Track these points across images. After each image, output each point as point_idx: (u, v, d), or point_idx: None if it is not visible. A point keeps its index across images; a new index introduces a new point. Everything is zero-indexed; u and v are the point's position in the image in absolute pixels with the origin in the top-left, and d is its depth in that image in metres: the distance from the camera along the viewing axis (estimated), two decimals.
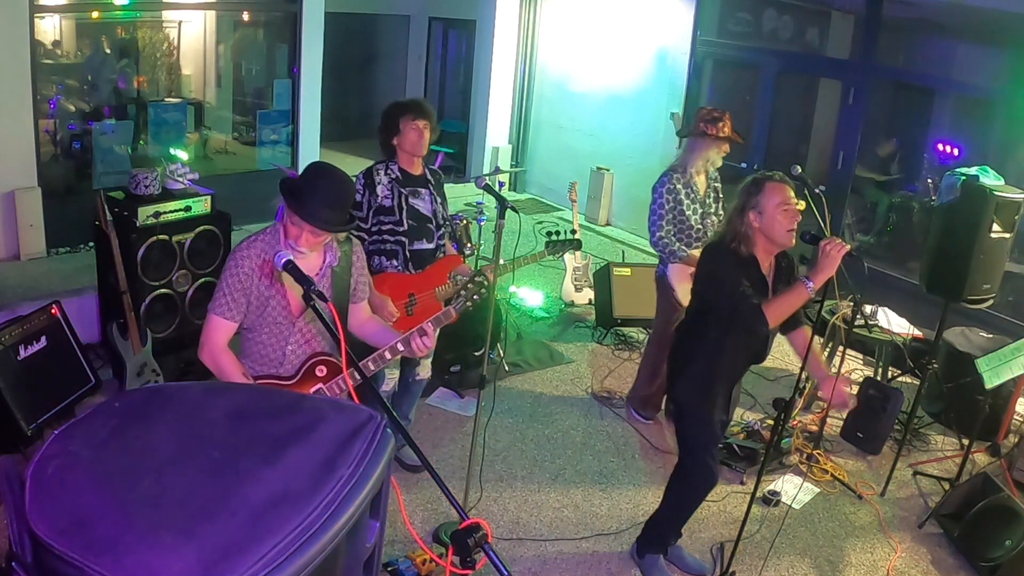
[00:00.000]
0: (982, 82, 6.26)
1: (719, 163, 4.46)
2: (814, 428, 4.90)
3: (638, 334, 6.19)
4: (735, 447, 4.54)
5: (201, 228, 4.82)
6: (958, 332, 5.26)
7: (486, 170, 9.40)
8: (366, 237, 3.78)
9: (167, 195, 4.79)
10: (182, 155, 6.77)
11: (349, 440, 1.61)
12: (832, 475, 4.54)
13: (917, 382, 4.93)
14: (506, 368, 5.45)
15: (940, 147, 6.68)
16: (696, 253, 4.03)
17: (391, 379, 3.97)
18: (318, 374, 2.89)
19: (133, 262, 4.54)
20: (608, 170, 8.76)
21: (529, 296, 6.48)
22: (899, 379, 5.26)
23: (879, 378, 5.16)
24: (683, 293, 4.24)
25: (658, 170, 8.29)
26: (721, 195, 4.59)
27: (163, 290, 4.72)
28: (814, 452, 4.67)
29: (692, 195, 4.41)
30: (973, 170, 4.29)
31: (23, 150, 5.79)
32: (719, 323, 3.18)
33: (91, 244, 5.52)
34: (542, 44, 9.51)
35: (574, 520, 4.03)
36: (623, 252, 7.74)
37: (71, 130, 6.58)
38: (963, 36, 6.43)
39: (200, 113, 8.05)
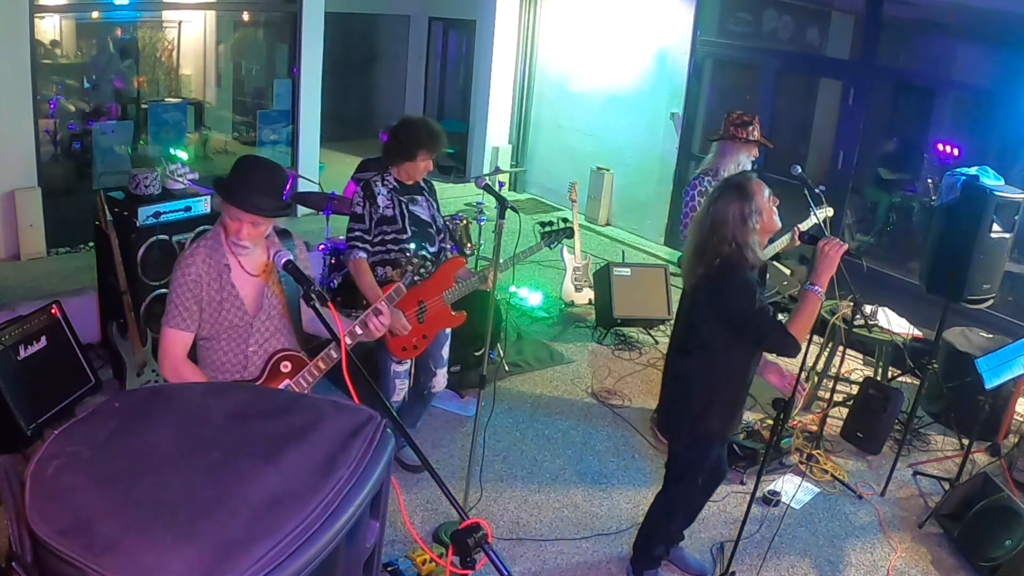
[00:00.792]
0: (982, 82, 6.26)
1: (748, 167, 4.43)
2: (814, 428, 4.90)
3: (638, 334, 6.19)
4: (735, 447, 4.53)
5: (201, 228, 4.82)
6: (958, 332, 5.26)
7: (486, 170, 9.41)
8: (369, 249, 3.79)
9: (167, 195, 4.79)
10: (182, 155, 6.77)
11: (349, 440, 1.61)
12: (832, 475, 4.54)
13: (917, 382, 4.93)
14: (506, 368, 5.45)
15: (940, 147, 6.68)
16: None
17: (401, 389, 3.97)
18: (283, 370, 2.87)
19: (133, 262, 4.54)
20: (608, 170, 8.76)
21: (529, 296, 6.48)
22: (899, 379, 5.26)
23: (879, 378, 5.16)
24: None
25: (658, 170, 8.41)
26: None
27: (163, 290, 4.72)
28: (814, 452, 4.67)
29: None
30: (973, 170, 4.29)
31: (23, 150, 5.79)
32: (744, 349, 3.14)
33: (91, 244, 5.53)
34: (542, 44, 9.51)
35: (574, 520, 4.03)
36: (623, 252, 7.74)
37: (71, 130, 6.59)
38: (963, 36, 6.43)
39: (200, 113, 8.06)
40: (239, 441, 1.58)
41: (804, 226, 4.38)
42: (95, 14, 7.06)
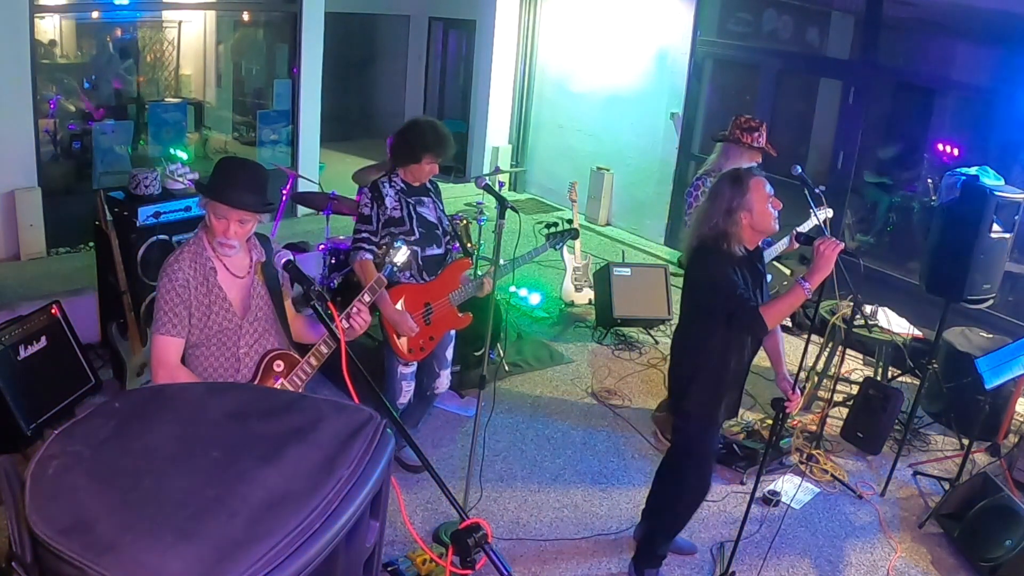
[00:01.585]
0: (982, 82, 6.25)
1: None
2: (814, 428, 4.90)
3: (638, 334, 6.19)
4: (735, 447, 4.54)
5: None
6: (958, 332, 5.26)
7: (486, 170, 9.41)
8: (376, 251, 3.78)
9: (167, 195, 4.78)
10: (182, 155, 6.77)
11: (349, 440, 1.61)
12: (832, 475, 4.54)
13: (917, 382, 4.93)
14: (506, 368, 5.45)
15: (940, 147, 6.68)
16: None
17: (407, 391, 3.97)
18: (276, 369, 2.87)
19: (133, 262, 4.54)
20: (608, 170, 8.76)
21: (529, 296, 6.49)
22: (899, 379, 5.26)
23: (879, 378, 5.16)
24: None
25: (658, 170, 8.41)
26: None
27: None
28: (814, 452, 4.67)
29: None
30: (973, 170, 4.29)
31: (23, 150, 5.79)
32: (719, 326, 3.16)
33: (91, 244, 5.53)
34: (542, 44, 9.51)
35: (574, 520, 4.03)
36: (623, 252, 7.74)
37: (71, 130, 6.59)
38: (963, 36, 6.43)
39: (200, 113, 8.06)
40: (239, 441, 1.59)
41: (803, 228, 4.38)
42: (95, 14, 7.06)
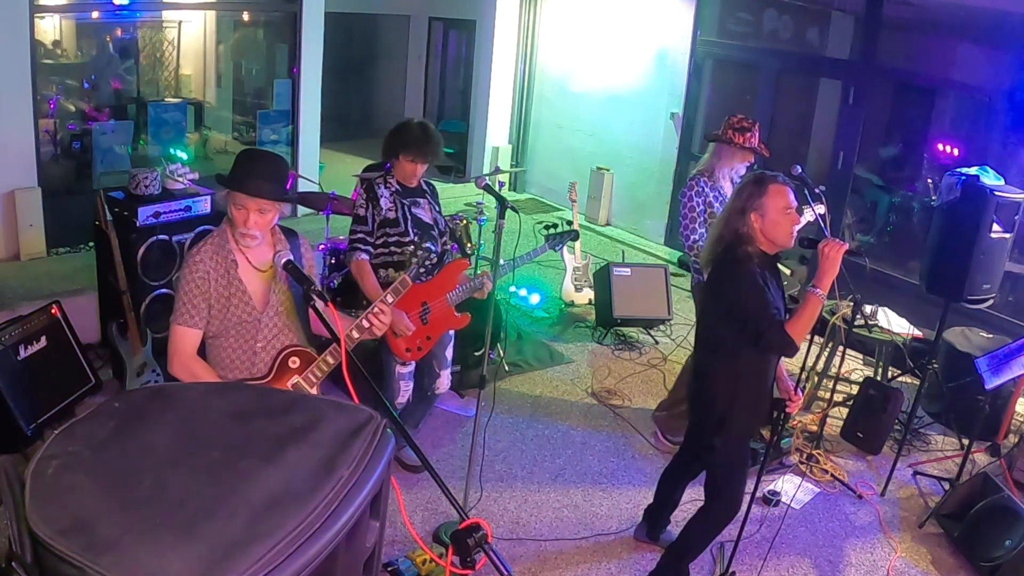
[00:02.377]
0: (982, 82, 6.25)
1: (743, 171, 4.42)
2: (814, 428, 4.90)
3: (638, 334, 6.19)
4: None
5: (201, 228, 4.82)
6: (958, 332, 5.26)
7: (486, 170, 9.40)
8: (372, 251, 3.79)
9: (167, 195, 4.78)
10: (182, 155, 6.77)
11: (349, 440, 1.61)
12: (832, 475, 4.54)
13: (917, 382, 4.93)
14: (506, 368, 5.45)
15: (940, 147, 6.68)
16: None
17: (406, 391, 3.97)
18: (291, 366, 2.88)
19: (133, 262, 4.54)
20: (608, 170, 8.76)
21: (529, 296, 6.48)
22: (899, 379, 5.26)
23: (879, 378, 5.16)
24: None
25: (658, 170, 8.41)
26: None
27: (163, 290, 4.72)
28: (814, 452, 4.67)
29: (720, 198, 4.38)
30: (973, 170, 4.29)
31: (23, 150, 5.79)
32: (747, 343, 3.08)
33: (91, 244, 5.52)
34: (542, 44, 9.51)
35: (574, 520, 4.03)
36: (623, 252, 7.74)
37: (71, 130, 6.58)
38: (963, 36, 6.43)
39: (200, 113, 8.05)
40: (239, 441, 1.59)
41: (807, 216, 4.35)
42: (95, 14, 7.05)
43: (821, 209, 4.49)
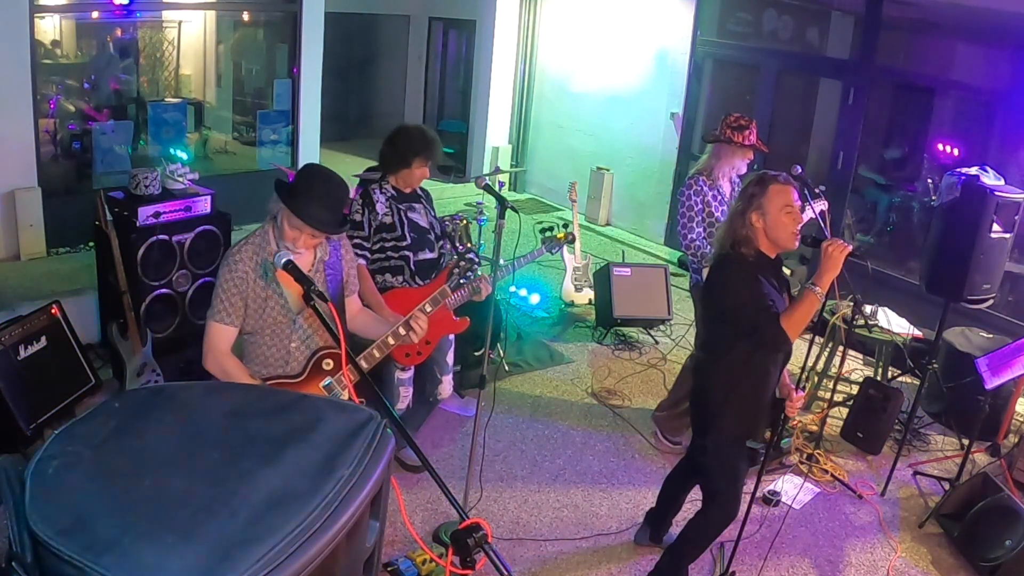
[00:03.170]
0: (982, 82, 6.25)
1: (743, 170, 4.42)
2: (814, 428, 4.90)
3: (638, 334, 6.19)
4: None
5: (201, 228, 4.82)
6: (958, 332, 5.26)
7: (486, 170, 9.40)
8: (369, 256, 3.79)
9: (167, 195, 4.78)
10: (182, 155, 6.77)
11: (349, 440, 1.61)
12: (832, 475, 4.54)
13: (917, 382, 4.93)
14: (506, 368, 5.44)
15: (940, 147, 6.68)
16: None
17: (405, 397, 3.97)
18: (325, 368, 2.92)
19: (133, 262, 4.54)
20: (608, 170, 8.76)
21: (529, 296, 6.48)
22: (899, 379, 5.26)
23: (879, 378, 5.16)
24: None
25: (658, 170, 8.41)
26: None
27: (163, 290, 4.72)
28: (814, 452, 4.67)
29: (720, 197, 4.38)
30: (973, 170, 4.29)
31: (23, 150, 5.78)
32: (744, 340, 3.07)
33: (91, 244, 5.52)
34: (542, 44, 9.51)
35: (574, 520, 4.03)
36: (623, 252, 7.74)
37: (71, 130, 6.58)
38: (963, 36, 6.43)
39: (200, 113, 8.05)
40: (239, 441, 1.59)
41: (807, 214, 4.34)
42: (95, 14, 7.05)
43: (822, 206, 4.50)
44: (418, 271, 3.85)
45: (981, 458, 4.80)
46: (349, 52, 10.91)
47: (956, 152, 6.44)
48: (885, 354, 5.24)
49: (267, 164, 7.38)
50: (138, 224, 4.57)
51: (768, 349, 3.10)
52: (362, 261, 3.75)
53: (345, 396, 2.90)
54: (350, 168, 6.05)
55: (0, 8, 5.48)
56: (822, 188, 4.58)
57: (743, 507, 3.54)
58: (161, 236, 4.66)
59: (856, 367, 5.89)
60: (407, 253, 3.80)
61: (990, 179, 4.24)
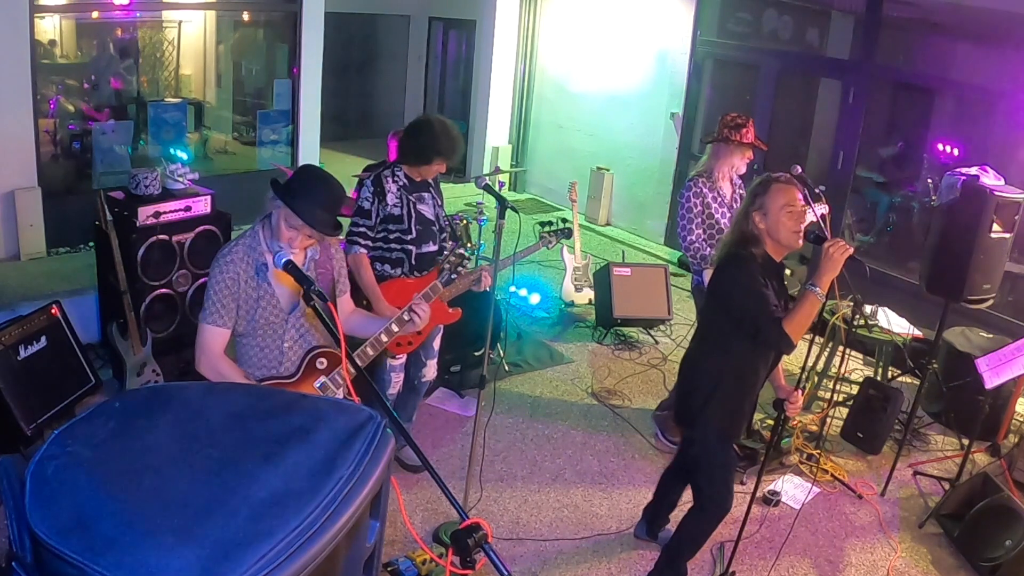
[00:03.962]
0: (982, 82, 6.25)
1: (743, 169, 4.42)
2: (814, 428, 4.90)
3: (638, 334, 6.19)
4: (735, 447, 4.53)
5: (201, 228, 4.82)
6: (958, 332, 5.26)
7: (486, 170, 9.40)
8: (370, 244, 3.78)
9: (167, 195, 4.78)
10: (182, 155, 6.77)
11: (349, 440, 1.61)
12: (832, 475, 4.54)
13: (917, 382, 4.93)
14: (506, 368, 5.44)
15: (940, 147, 6.68)
16: None
17: (397, 383, 3.97)
18: (319, 367, 2.92)
19: (133, 262, 4.54)
20: (608, 170, 8.76)
21: (529, 296, 6.48)
22: (899, 379, 5.26)
23: (879, 378, 5.16)
24: None
25: (658, 170, 8.41)
26: None
27: (163, 290, 4.72)
28: (814, 452, 4.67)
29: (720, 199, 4.38)
30: (973, 170, 4.29)
31: (23, 150, 5.78)
32: (743, 338, 3.10)
33: (91, 244, 5.52)
34: (542, 44, 9.51)
35: (574, 520, 4.03)
36: (623, 252, 7.74)
37: (71, 130, 6.58)
38: (963, 36, 6.43)
39: (200, 113, 8.05)
40: (239, 441, 1.59)
41: (808, 216, 4.34)
42: (95, 14, 7.05)
43: (823, 209, 4.49)
44: (418, 264, 3.85)
45: (981, 458, 4.80)
46: (349, 52, 10.92)
47: (956, 152, 6.44)
48: (885, 354, 5.24)
49: (267, 164, 7.38)
50: (138, 224, 4.57)
51: (772, 350, 3.13)
52: (362, 250, 3.74)
53: (340, 395, 2.91)
54: (350, 168, 6.06)
55: (0, 8, 5.48)
56: (822, 188, 4.58)
57: (743, 507, 3.54)
58: (161, 236, 4.66)
59: (856, 367, 5.89)
60: (410, 247, 3.80)
61: (990, 179, 4.24)
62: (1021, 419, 5.12)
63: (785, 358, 3.42)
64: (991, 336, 5.24)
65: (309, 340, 2.94)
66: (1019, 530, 3.72)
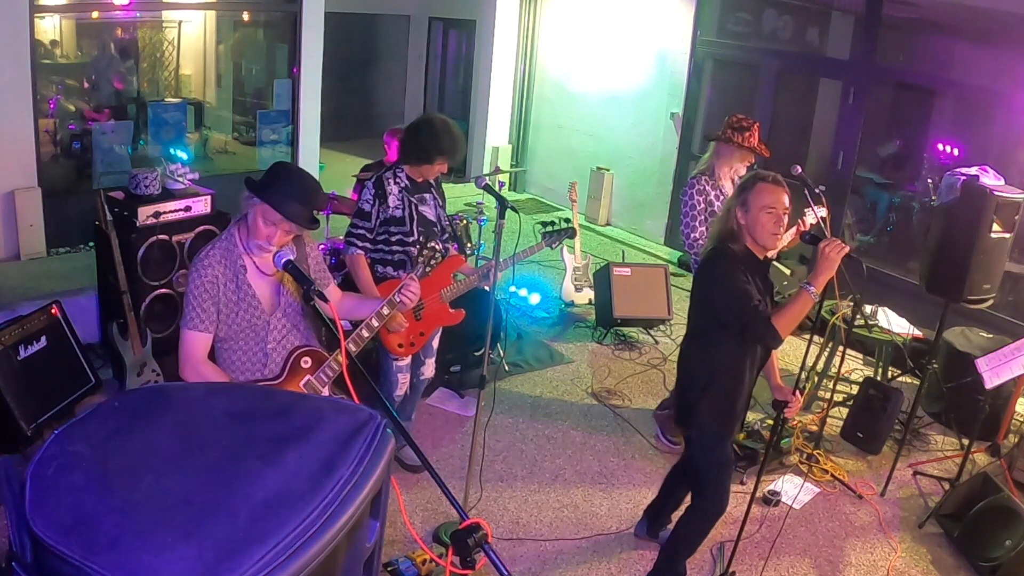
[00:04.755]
0: (982, 82, 6.26)
1: (743, 172, 4.41)
2: (814, 428, 4.90)
3: (638, 334, 6.19)
4: (735, 447, 4.53)
5: (201, 228, 4.82)
6: (958, 332, 5.26)
7: (486, 170, 9.41)
8: (370, 246, 3.78)
9: (167, 195, 4.78)
10: (182, 155, 6.77)
11: (349, 440, 1.61)
12: (832, 475, 4.54)
13: (917, 382, 4.93)
14: (506, 368, 5.45)
15: (940, 147, 6.68)
16: None
17: (403, 384, 3.97)
18: (303, 366, 2.90)
19: (133, 262, 4.54)
20: (608, 170, 8.76)
21: (529, 296, 6.48)
22: (899, 379, 5.26)
23: (879, 378, 5.16)
24: None
25: (658, 170, 8.41)
26: None
27: (163, 290, 4.72)
28: (814, 452, 4.67)
29: (722, 197, 4.37)
30: (973, 170, 4.29)
31: (23, 150, 5.79)
32: (729, 336, 3.10)
33: (91, 244, 5.52)
34: (542, 44, 9.51)
35: (574, 520, 4.03)
36: (623, 252, 7.74)
37: (71, 130, 6.58)
38: (963, 36, 6.43)
39: (200, 113, 8.06)
40: (239, 441, 1.58)
41: (808, 218, 4.34)
42: (95, 14, 7.05)
43: (822, 212, 4.49)
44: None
45: (981, 458, 4.80)
46: (349, 52, 10.91)
47: (956, 152, 6.45)
48: (885, 354, 5.24)
49: (267, 164, 7.35)
50: (138, 224, 4.57)
51: (759, 344, 3.14)
52: (360, 251, 3.74)
53: (326, 393, 2.90)
54: (350, 168, 6.06)
55: (0, 8, 5.48)
56: (822, 188, 4.58)
57: (743, 507, 3.54)
58: (161, 236, 4.66)
59: (856, 367, 5.89)
60: (411, 249, 3.80)
61: (990, 179, 4.24)
62: (1021, 419, 5.12)
63: (784, 358, 3.43)
64: (991, 336, 5.24)
65: (292, 340, 2.91)
66: (1019, 530, 3.72)
